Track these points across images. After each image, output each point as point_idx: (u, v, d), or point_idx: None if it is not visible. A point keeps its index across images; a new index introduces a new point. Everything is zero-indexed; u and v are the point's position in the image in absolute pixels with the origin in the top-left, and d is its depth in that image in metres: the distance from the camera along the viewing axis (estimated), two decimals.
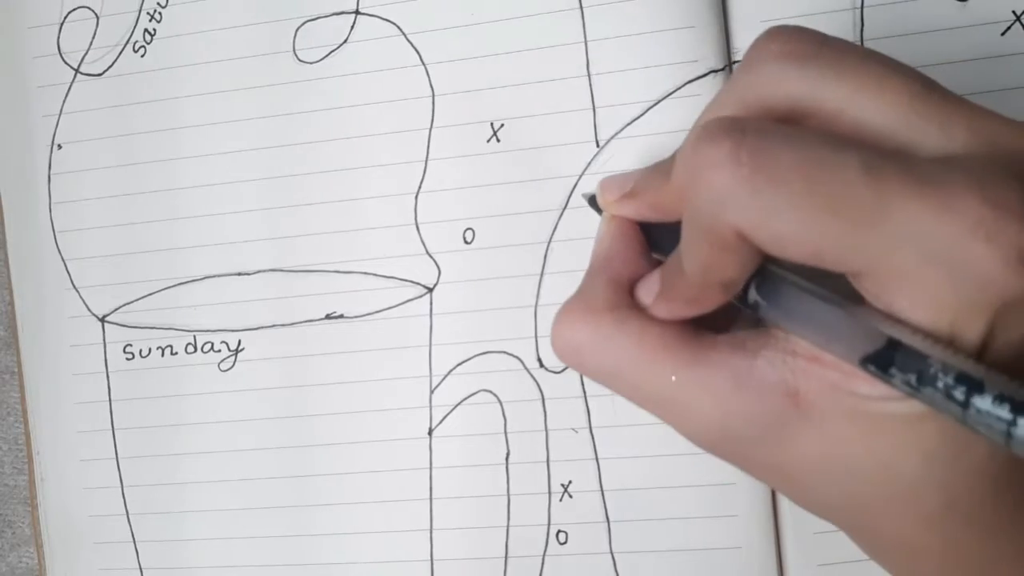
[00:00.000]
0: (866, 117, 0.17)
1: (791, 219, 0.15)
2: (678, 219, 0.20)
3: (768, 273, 0.18)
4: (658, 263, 0.21)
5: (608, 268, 0.21)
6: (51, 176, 0.31)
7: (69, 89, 0.31)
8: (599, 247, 0.22)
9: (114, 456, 0.30)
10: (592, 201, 0.25)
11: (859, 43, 0.26)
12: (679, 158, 0.18)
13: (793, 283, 0.17)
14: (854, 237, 0.15)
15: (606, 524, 0.27)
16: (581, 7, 0.27)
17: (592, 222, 0.27)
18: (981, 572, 0.17)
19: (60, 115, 0.31)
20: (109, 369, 0.30)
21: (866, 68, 0.17)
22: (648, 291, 0.20)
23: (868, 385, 0.16)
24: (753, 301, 0.18)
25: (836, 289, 0.17)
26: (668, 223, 0.21)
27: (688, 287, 0.18)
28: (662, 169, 0.21)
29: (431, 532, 0.28)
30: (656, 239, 0.22)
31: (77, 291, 0.31)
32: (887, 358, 0.15)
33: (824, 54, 0.17)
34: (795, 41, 0.17)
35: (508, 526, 0.28)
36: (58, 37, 0.31)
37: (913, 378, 0.15)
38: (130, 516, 0.30)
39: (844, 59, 0.17)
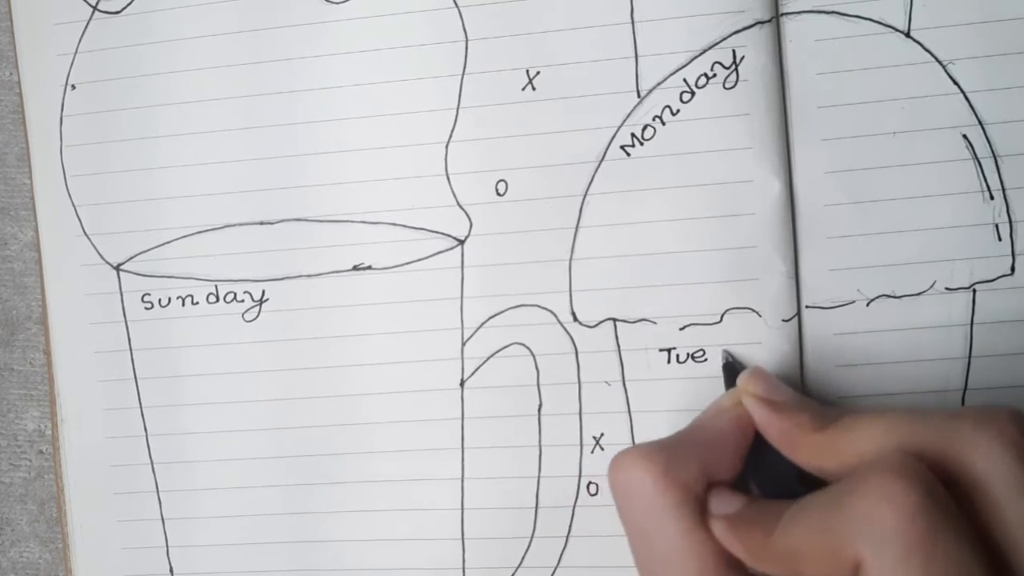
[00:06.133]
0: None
1: None
2: (801, 463, 0.22)
3: None
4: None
5: (704, 453, 0.22)
6: (63, 118, 0.30)
7: (86, 27, 0.29)
8: (712, 426, 0.23)
9: (138, 405, 0.30)
10: (729, 369, 0.26)
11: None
12: (862, 440, 0.20)
13: None
14: None
15: None
16: None
17: (630, 175, 0.27)
18: None
19: (75, 54, 0.29)
20: (128, 319, 0.30)
21: None
22: (722, 505, 0.21)
23: None
24: None
25: None
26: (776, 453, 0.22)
27: (764, 550, 0.19)
28: (818, 412, 0.22)
29: (462, 481, 0.28)
30: (761, 451, 0.23)
31: (89, 238, 0.30)
32: None
33: None
34: None
35: (539, 477, 0.28)
36: None
37: None
38: (154, 466, 0.30)
39: None
